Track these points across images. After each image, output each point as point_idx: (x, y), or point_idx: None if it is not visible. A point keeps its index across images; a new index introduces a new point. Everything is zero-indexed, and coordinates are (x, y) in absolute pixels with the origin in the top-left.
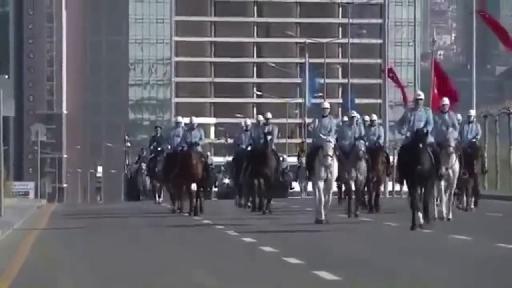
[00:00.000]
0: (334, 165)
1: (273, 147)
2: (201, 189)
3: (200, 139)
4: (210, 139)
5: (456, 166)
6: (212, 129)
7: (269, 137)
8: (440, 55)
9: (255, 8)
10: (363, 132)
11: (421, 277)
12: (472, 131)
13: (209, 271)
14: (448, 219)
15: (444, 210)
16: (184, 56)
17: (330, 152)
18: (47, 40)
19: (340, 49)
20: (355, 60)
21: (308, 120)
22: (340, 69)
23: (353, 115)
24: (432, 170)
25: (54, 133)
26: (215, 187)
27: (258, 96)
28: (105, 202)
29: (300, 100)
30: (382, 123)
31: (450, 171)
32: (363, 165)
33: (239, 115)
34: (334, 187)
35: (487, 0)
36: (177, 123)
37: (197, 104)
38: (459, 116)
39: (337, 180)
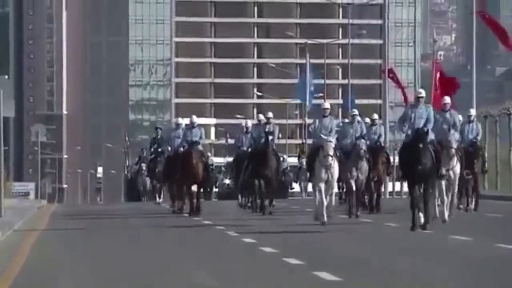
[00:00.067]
0: (335, 166)
1: (274, 147)
2: (201, 190)
3: (201, 137)
4: (210, 139)
5: (457, 168)
6: (212, 129)
7: (270, 137)
8: (440, 55)
9: (255, 8)
10: (364, 131)
11: (421, 278)
12: (473, 131)
13: (209, 271)
14: (444, 221)
15: (446, 212)
16: (184, 57)
17: (331, 152)
18: (47, 40)
19: (340, 50)
20: (355, 61)
21: (308, 121)
22: (340, 70)
23: (354, 113)
24: (433, 170)
25: (54, 133)
26: (216, 187)
27: (258, 97)
28: (105, 202)
29: (299, 101)
30: (382, 124)
31: (451, 173)
32: (364, 164)
33: (239, 116)
34: (335, 188)
35: (487, 1)
36: (178, 125)
37: (197, 105)
38: (460, 117)
39: (338, 180)
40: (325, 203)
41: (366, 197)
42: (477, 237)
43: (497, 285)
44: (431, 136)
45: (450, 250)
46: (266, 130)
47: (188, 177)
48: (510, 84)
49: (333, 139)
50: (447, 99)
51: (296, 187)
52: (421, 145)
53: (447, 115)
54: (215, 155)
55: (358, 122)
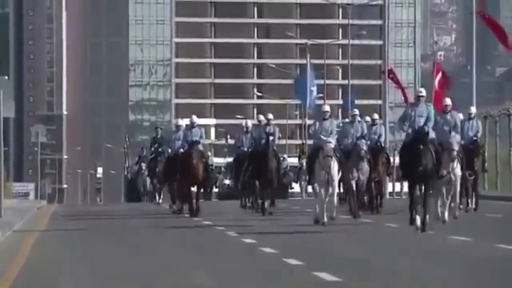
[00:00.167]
0: (335, 167)
1: (274, 147)
2: (201, 190)
3: (201, 137)
4: (211, 140)
5: (458, 170)
6: (212, 130)
7: (271, 138)
8: (440, 56)
9: (255, 9)
10: (365, 131)
11: (421, 278)
12: (473, 128)
13: (209, 272)
14: (444, 221)
15: (446, 212)
16: (184, 57)
17: (330, 153)
18: (47, 41)
19: (340, 50)
20: (355, 61)
21: (308, 122)
22: (340, 70)
23: (355, 113)
24: (433, 170)
25: (54, 134)
26: (216, 187)
27: (258, 97)
28: (105, 203)
29: (300, 101)
30: (382, 123)
31: (452, 175)
32: (365, 165)
33: (239, 116)
34: (336, 188)
35: (487, 1)
36: (178, 126)
37: (197, 105)
38: (461, 116)
39: (338, 180)
40: (325, 204)
41: (365, 197)
42: (477, 238)
43: (497, 285)
44: (432, 135)
45: (450, 250)
46: (267, 131)
47: (188, 177)
48: (510, 85)
49: (333, 140)
50: (448, 101)
51: (296, 187)
52: (421, 146)
53: (448, 116)
54: (215, 155)
55: (359, 122)
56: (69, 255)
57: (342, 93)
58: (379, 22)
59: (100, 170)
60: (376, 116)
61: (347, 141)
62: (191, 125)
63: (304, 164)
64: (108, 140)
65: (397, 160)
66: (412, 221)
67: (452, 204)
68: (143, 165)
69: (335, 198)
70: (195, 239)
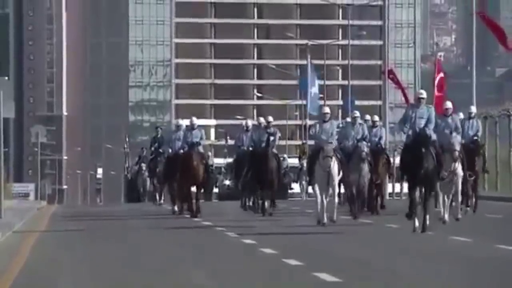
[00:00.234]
0: (335, 168)
1: (275, 149)
2: (201, 191)
3: (201, 138)
4: (210, 140)
5: (460, 170)
6: (212, 130)
7: (271, 138)
8: (440, 56)
9: (255, 9)
10: (366, 133)
11: (422, 279)
12: (473, 127)
13: (209, 272)
14: (444, 222)
15: (446, 213)
16: (184, 58)
17: (330, 154)
18: (47, 41)
19: (340, 51)
20: (355, 62)
21: (309, 122)
22: (340, 71)
23: (356, 115)
24: (434, 173)
25: (54, 134)
26: (216, 188)
27: (258, 98)
28: (105, 203)
29: (300, 102)
30: (382, 125)
31: (454, 176)
32: (365, 167)
33: (239, 117)
34: (337, 189)
35: (487, 2)
36: (178, 127)
37: (197, 106)
38: (461, 115)
39: (340, 182)
40: (325, 204)
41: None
42: (477, 238)
43: (497, 286)
44: (433, 136)
45: (450, 251)
46: (268, 131)
47: (188, 178)
48: (510, 85)
49: (333, 141)
50: (449, 104)
51: (296, 187)
52: (423, 149)
53: (449, 119)
54: (215, 155)
55: (360, 124)
56: (69, 255)
57: (342, 93)
58: (379, 22)
59: (100, 170)
60: (376, 118)
61: (348, 143)
62: (191, 127)
63: (305, 164)
64: (108, 140)
65: (397, 160)
66: (411, 214)
67: (454, 204)
68: (143, 166)
69: (335, 199)
70: (195, 240)
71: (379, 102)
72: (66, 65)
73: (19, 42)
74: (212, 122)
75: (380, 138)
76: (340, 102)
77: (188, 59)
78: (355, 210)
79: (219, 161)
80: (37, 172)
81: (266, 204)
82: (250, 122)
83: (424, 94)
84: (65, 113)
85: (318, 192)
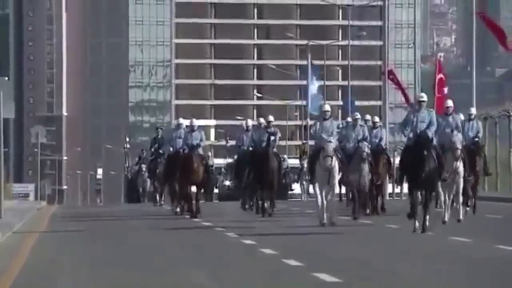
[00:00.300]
0: (335, 167)
1: (275, 149)
2: (201, 191)
3: (201, 140)
4: (210, 141)
5: (461, 169)
6: (212, 131)
7: (272, 138)
8: (440, 56)
9: (255, 10)
10: (366, 134)
11: (421, 279)
12: (473, 129)
13: (209, 272)
14: (444, 222)
15: (446, 214)
16: (184, 58)
17: (331, 153)
18: (47, 42)
19: (340, 51)
20: (355, 62)
21: (310, 122)
22: (340, 71)
23: (356, 117)
24: (435, 175)
25: (54, 135)
26: (216, 188)
27: (258, 98)
28: (105, 204)
29: (300, 102)
30: (382, 125)
31: (456, 175)
32: (366, 167)
33: (239, 117)
34: (337, 189)
35: (487, 2)
36: (179, 125)
37: (197, 106)
38: (462, 116)
39: (340, 182)
40: (325, 204)
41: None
42: (477, 239)
43: (497, 286)
44: (434, 141)
45: (450, 251)
46: (268, 131)
47: (188, 179)
48: (510, 85)
49: (333, 140)
50: (450, 103)
51: (296, 188)
52: (425, 152)
53: (450, 118)
54: (215, 156)
55: (361, 125)
56: (69, 256)
57: (342, 94)
58: (379, 23)
59: (100, 171)
60: (377, 119)
61: (349, 144)
62: (191, 129)
63: (305, 165)
64: (108, 141)
65: (397, 161)
66: (413, 214)
67: (455, 204)
68: (143, 166)
69: (335, 199)
70: (195, 240)
71: (379, 103)
72: (66, 65)
73: (19, 43)
74: (212, 122)
75: (381, 139)
76: (340, 103)
77: (188, 59)
78: (356, 211)
79: (219, 162)
80: (37, 172)
81: (266, 204)
82: (250, 122)
83: (424, 97)
84: (65, 113)
85: (318, 192)
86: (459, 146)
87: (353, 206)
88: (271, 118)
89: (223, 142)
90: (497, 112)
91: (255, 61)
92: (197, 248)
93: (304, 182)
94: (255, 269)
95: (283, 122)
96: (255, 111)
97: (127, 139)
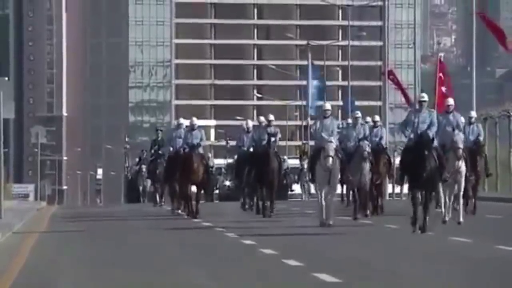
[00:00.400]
0: (336, 167)
1: (276, 149)
2: (202, 192)
3: (201, 139)
4: (211, 141)
5: (463, 169)
6: (212, 131)
7: (272, 139)
8: (440, 56)
9: (255, 10)
10: (367, 133)
11: (421, 279)
12: (474, 132)
13: (209, 272)
14: (444, 222)
15: (447, 214)
16: (184, 58)
17: (331, 153)
18: (47, 42)
19: (340, 51)
20: (355, 62)
21: (311, 122)
22: (340, 71)
23: (357, 115)
24: (436, 175)
25: (54, 135)
26: (216, 189)
27: (258, 98)
28: (105, 204)
29: (300, 102)
30: (382, 125)
31: (458, 174)
32: (367, 166)
33: (239, 118)
34: (338, 189)
35: (487, 2)
36: (179, 125)
37: (197, 106)
38: (462, 119)
39: (341, 182)
40: (325, 204)
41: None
42: (477, 239)
43: (496, 286)
44: (435, 142)
45: (450, 251)
46: (269, 131)
47: (188, 179)
48: (510, 86)
49: (334, 140)
50: (451, 101)
51: (296, 188)
52: (426, 152)
53: (451, 116)
54: (215, 156)
55: (361, 124)
56: (69, 256)
57: (342, 94)
58: (379, 23)
59: (100, 171)
60: (377, 118)
61: (350, 143)
62: (191, 128)
63: (305, 165)
64: (108, 141)
65: (397, 161)
66: (415, 221)
67: (455, 205)
68: (143, 167)
69: (334, 199)
70: (195, 240)
71: (379, 103)
72: (66, 65)
73: (19, 43)
74: (212, 122)
75: (381, 138)
76: (340, 103)
77: (188, 59)
78: (356, 210)
79: (219, 162)
80: (37, 172)
81: (266, 204)
82: (251, 123)
83: (425, 97)
84: (65, 113)
85: (319, 192)
86: (461, 145)
87: (354, 206)
88: (271, 117)
89: (223, 143)
90: (497, 113)
91: (255, 61)
92: (197, 248)
93: (305, 183)
94: (255, 269)
95: (283, 122)
96: (255, 111)
97: (127, 139)
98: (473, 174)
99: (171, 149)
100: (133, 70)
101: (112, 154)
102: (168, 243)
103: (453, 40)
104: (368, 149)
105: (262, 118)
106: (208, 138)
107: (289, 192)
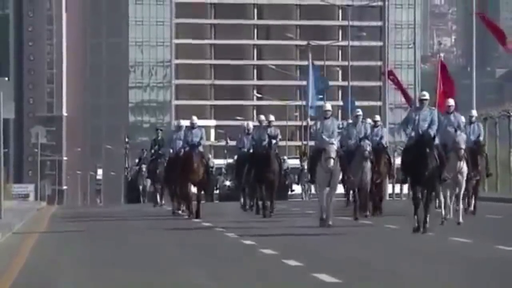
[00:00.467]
0: (337, 168)
1: (276, 150)
2: (202, 192)
3: (201, 138)
4: (211, 141)
5: (465, 170)
6: (212, 131)
7: (274, 141)
8: (440, 57)
9: (255, 10)
10: (368, 131)
11: (421, 279)
12: (474, 132)
13: (209, 272)
14: (442, 222)
15: (449, 214)
16: (184, 59)
17: (333, 155)
18: (47, 42)
19: (340, 52)
20: (355, 63)
21: (311, 123)
22: (340, 72)
23: (358, 113)
24: (436, 174)
25: (54, 135)
26: (217, 189)
27: (258, 99)
28: (105, 204)
29: (300, 103)
30: (383, 124)
31: (459, 175)
32: (368, 165)
33: (239, 118)
34: (339, 190)
35: (487, 2)
36: (179, 127)
37: (197, 107)
38: (463, 119)
39: (342, 183)
40: (325, 204)
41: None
42: (477, 239)
43: (496, 286)
44: (436, 140)
45: (450, 251)
46: (270, 133)
47: (188, 178)
48: (510, 86)
49: (335, 141)
50: (451, 102)
51: (297, 189)
52: (427, 150)
53: (452, 117)
54: (215, 156)
55: (362, 122)
56: (69, 256)
57: (342, 94)
58: (379, 23)
59: (100, 171)
60: (377, 118)
61: (351, 142)
62: (191, 126)
63: (306, 165)
64: (108, 141)
65: (397, 161)
66: (418, 228)
67: (455, 205)
68: (143, 167)
69: (333, 199)
70: (195, 240)
71: (379, 103)
72: (66, 65)
73: (19, 43)
74: (212, 122)
75: (381, 137)
76: (340, 103)
77: (188, 59)
78: (357, 211)
79: (219, 162)
80: (37, 172)
81: (266, 204)
82: (251, 124)
83: (427, 95)
84: (65, 113)
85: (319, 193)
86: (463, 146)
87: (354, 206)
88: (272, 118)
89: (223, 143)
90: (497, 113)
91: (255, 62)
92: (197, 248)
93: (305, 184)
94: (255, 269)
95: (283, 123)
96: (255, 111)
97: (127, 139)
98: (477, 174)
99: (171, 151)
100: (133, 70)
101: (112, 154)
102: (168, 243)
103: (453, 40)
104: (369, 148)
105: (262, 117)
106: (208, 139)
107: (289, 193)
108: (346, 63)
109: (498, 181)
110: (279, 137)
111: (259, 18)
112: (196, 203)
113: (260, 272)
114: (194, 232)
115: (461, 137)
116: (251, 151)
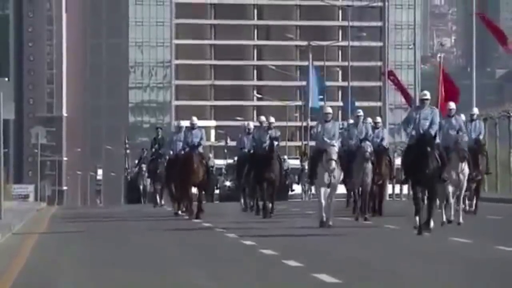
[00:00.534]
0: (338, 170)
1: (278, 152)
2: (202, 192)
3: (201, 139)
4: (211, 141)
5: (466, 170)
6: (212, 131)
7: (275, 143)
8: (439, 57)
9: (255, 10)
10: (369, 132)
11: (421, 280)
12: (476, 129)
13: (209, 273)
14: (442, 223)
15: (447, 214)
16: (184, 59)
17: (334, 156)
18: (47, 43)
19: (340, 52)
20: (355, 63)
21: (311, 123)
22: (340, 72)
23: (359, 114)
24: (436, 174)
25: (54, 135)
26: (217, 189)
27: (258, 99)
28: (105, 205)
29: (300, 103)
30: (383, 126)
31: (461, 176)
32: (369, 166)
33: (239, 118)
34: (339, 190)
35: (487, 3)
36: (179, 128)
37: (197, 107)
38: (463, 117)
39: (344, 183)
40: (324, 204)
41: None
42: (477, 239)
43: (496, 286)
44: (437, 139)
45: (450, 252)
46: (271, 134)
47: (189, 179)
48: (510, 86)
49: (336, 143)
50: (453, 105)
51: (297, 189)
52: (429, 149)
53: (453, 120)
54: (215, 157)
55: (363, 122)
56: (69, 257)
57: (342, 94)
58: (379, 23)
59: (100, 172)
60: (378, 119)
61: (351, 142)
62: (191, 127)
63: (306, 166)
64: (108, 142)
65: (397, 161)
66: (421, 232)
67: (456, 205)
68: (143, 166)
69: (333, 199)
70: (195, 241)
71: (379, 104)
72: (66, 66)
73: (19, 43)
74: (212, 123)
75: (382, 139)
76: (340, 104)
77: (188, 60)
78: (357, 211)
79: (219, 162)
80: (37, 173)
81: (267, 204)
82: (251, 124)
83: (428, 95)
84: (65, 114)
85: (320, 194)
86: (465, 147)
87: (354, 206)
88: (272, 119)
89: (223, 143)
90: (497, 113)
91: (255, 62)
92: (197, 248)
93: (306, 184)
94: (255, 270)
95: (283, 123)
96: (255, 112)
97: (127, 140)
98: (478, 174)
99: (171, 152)
100: (133, 71)
101: (112, 155)
102: (168, 243)
103: (453, 40)
104: (370, 149)
105: (262, 118)
106: (208, 139)
107: (290, 193)
108: (346, 63)
109: (498, 181)
110: (280, 138)
111: (259, 18)
112: (197, 204)
113: (260, 272)
114: (194, 232)
115: (463, 139)
116: (251, 151)
